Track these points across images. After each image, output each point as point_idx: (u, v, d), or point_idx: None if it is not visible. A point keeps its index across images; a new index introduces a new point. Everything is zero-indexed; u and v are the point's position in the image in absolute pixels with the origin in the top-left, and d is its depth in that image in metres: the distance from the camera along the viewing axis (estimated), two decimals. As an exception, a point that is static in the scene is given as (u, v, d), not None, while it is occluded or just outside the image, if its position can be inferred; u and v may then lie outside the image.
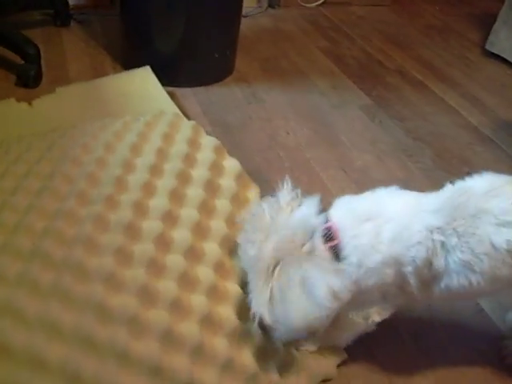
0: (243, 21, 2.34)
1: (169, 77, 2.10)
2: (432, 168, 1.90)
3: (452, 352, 1.30)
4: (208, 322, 1.04)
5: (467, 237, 1.00)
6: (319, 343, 1.20)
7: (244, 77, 2.31)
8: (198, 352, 1.00)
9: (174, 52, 2.15)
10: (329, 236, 1.04)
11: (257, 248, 1.00)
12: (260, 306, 0.97)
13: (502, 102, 2.39)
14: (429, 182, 1.82)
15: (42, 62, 2.12)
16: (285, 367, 1.12)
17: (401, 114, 2.18)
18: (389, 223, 1.02)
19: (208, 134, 1.52)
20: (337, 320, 1.13)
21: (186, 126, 1.39)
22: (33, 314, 0.93)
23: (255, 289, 0.99)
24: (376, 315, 1.11)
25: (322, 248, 1.02)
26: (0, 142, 1.43)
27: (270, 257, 0.98)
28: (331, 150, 1.93)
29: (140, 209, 1.13)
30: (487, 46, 2.76)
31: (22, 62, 2.09)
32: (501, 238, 0.99)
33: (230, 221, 1.23)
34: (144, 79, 2.01)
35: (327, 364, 1.18)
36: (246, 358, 1.06)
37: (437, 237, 1.00)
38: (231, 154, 1.42)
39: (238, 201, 1.30)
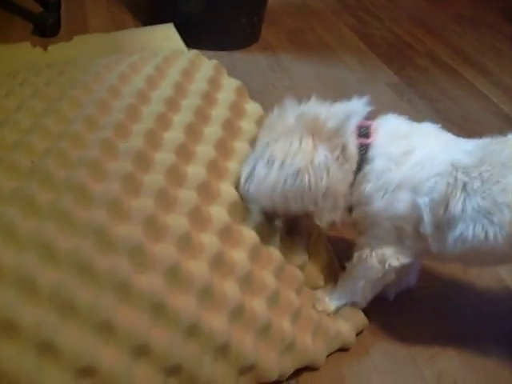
0: (272, -6, 2.26)
1: (192, 38, 2.00)
2: (462, 150, 1.80)
3: (478, 333, 1.21)
4: (219, 263, 0.94)
5: (491, 183, 0.94)
6: (337, 300, 1.11)
7: (269, 46, 2.23)
8: (207, 294, 0.90)
9: (199, 13, 2.08)
10: (364, 133, 1.01)
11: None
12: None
13: (534, 94, 2.28)
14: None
15: (62, 14, 2.05)
16: (300, 324, 1.03)
17: (430, 95, 2.09)
18: (420, 149, 0.98)
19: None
20: (350, 264, 1.08)
21: (208, 65, 1.29)
22: (25, 232, 0.84)
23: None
24: (393, 259, 1.03)
25: (351, 142, 0.99)
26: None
27: (286, 124, 0.99)
28: (357, 123, 1.83)
29: (153, 139, 1.03)
30: (521, 39, 2.66)
31: (41, 10, 2.01)
32: None
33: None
34: (166, 36, 1.92)
35: (346, 330, 1.09)
36: (258, 306, 0.96)
37: (460, 176, 0.95)
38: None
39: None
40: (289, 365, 0.99)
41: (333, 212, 0.99)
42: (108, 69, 1.27)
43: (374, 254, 1.03)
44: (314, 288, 1.12)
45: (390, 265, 1.03)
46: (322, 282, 1.13)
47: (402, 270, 1.06)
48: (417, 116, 1.91)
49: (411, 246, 1.03)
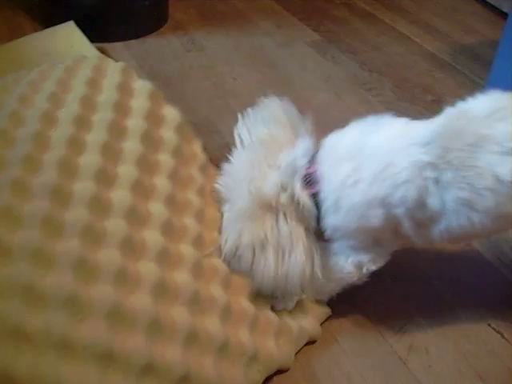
0: (172, -32, 2.14)
1: (97, 32, 1.89)
2: (394, 100, 1.76)
3: (442, 292, 1.18)
4: (161, 290, 0.88)
5: (465, 170, 0.86)
6: (296, 297, 1.06)
7: (180, 24, 2.12)
8: (155, 327, 0.84)
9: (100, 4, 1.93)
10: (309, 181, 0.96)
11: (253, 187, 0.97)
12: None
13: (456, 26, 2.27)
14: (392, 114, 1.68)
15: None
16: (259, 331, 0.98)
17: (353, 47, 2.04)
18: (369, 160, 0.90)
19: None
20: (323, 270, 1.01)
21: (114, 70, 1.20)
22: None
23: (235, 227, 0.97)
24: (371, 263, 0.98)
25: (302, 195, 0.96)
26: None
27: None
28: (284, 92, 1.72)
29: (67, 168, 0.94)
30: (433, -29, 2.61)
31: None
32: (506, 168, 0.84)
33: (174, 178, 1.07)
34: (68, 35, 1.80)
35: (310, 324, 1.04)
36: (211, 325, 0.90)
37: (429, 173, 0.87)
38: (175, 106, 1.25)
39: (182, 155, 1.13)
40: (257, 376, 0.94)
41: None
42: (5, 91, 1.16)
43: (350, 261, 0.98)
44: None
45: (367, 269, 0.99)
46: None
47: None
48: (343, 72, 1.89)
49: (390, 246, 0.99)
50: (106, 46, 1.89)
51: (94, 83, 1.15)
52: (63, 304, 0.79)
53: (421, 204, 0.89)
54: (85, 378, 0.77)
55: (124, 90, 1.15)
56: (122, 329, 0.81)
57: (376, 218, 0.91)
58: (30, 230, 0.84)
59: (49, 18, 1.98)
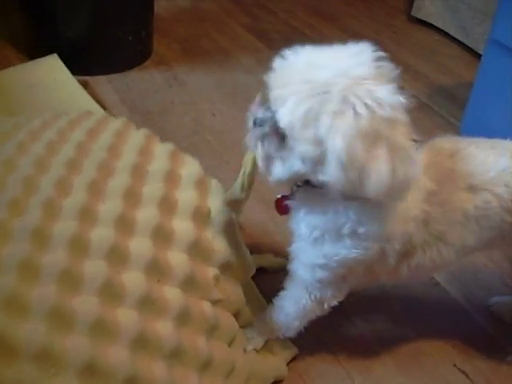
0: (159, 2, 2.19)
1: (80, 65, 1.92)
2: (371, 139, 1.79)
3: (410, 331, 1.20)
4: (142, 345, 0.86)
5: (444, 205, 0.89)
6: (266, 336, 1.08)
7: (163, 60, 2.15)
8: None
9: (83, 37, 1.96)
10: None
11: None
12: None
13: (433, 67, 2.32)
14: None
15: None
16: (233, 378, 0.97)
17: (333, 86, 2.07)
18: None
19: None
20: (282, 304, 1.04)
21: (115, 123, 1.20)
22: None
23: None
24: (332, 299, 0.98)
25: None
26: None
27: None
28: (263, 129, 1.79)
29: (51, 210, 0.93)
30: (413, 13, 2.69)
31: None
32: (470, 204, 0.89)
33: (164, 205, 1.02)
34: (52, 68, 1.83)
35: (276, 363, 1.06)
36: (191, 377, 0.89)
37: (425, 207, 0.88)
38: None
39: (174, 178, 1.09)
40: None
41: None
42: (6, 137, 1.15)
43: (312, 298, 0.98)
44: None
45: (328, 305, 0.99)
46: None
47: None
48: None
49: (354, 282, 0.98)
50: (89, 79, 1.92)
51: (92, 133, 1.15)
52: (36, 355, 0.76)
53: (410, 238, 0.89)
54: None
55: (120, 136, 1.15)
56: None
57: (373, 251, 0.88)
58: (7, 274, 0.82)
59: (34, 51, 2.00)
